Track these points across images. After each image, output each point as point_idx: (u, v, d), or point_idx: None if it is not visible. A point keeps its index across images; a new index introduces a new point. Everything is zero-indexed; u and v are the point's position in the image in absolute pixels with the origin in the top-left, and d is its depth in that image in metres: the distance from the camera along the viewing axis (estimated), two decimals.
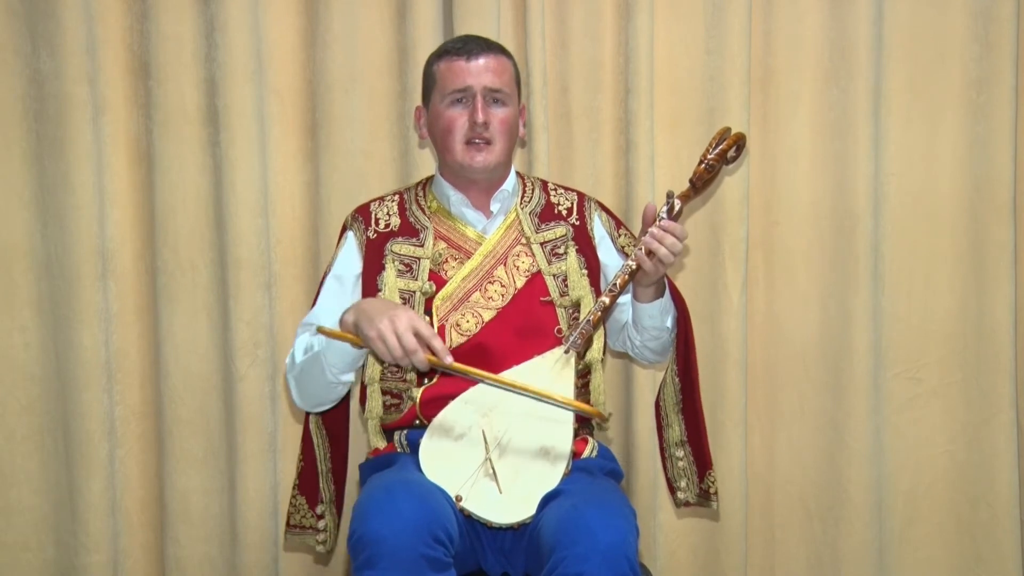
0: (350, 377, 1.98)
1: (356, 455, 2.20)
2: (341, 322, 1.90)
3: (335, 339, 1.89)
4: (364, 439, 2.08)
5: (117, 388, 2.48)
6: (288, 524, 2.14)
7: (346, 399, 2.09)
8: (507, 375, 1.89)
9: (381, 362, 1.99)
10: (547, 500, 1.80)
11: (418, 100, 2.21)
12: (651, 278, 1.96)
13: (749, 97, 2.52)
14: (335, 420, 2.12)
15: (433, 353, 1.81)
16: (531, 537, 1.79)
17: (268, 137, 2.47)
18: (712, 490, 2.12)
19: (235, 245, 2.46)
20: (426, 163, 2.47)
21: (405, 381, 2.00)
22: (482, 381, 1.87)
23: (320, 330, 1.90)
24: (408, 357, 1.80)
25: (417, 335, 1.80)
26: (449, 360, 1.81)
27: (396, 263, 2.04)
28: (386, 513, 1.67)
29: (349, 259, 2.08)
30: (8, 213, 2.46)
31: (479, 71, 2.01)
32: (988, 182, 2.56)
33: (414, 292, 2.00)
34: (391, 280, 2.02)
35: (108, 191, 2.44)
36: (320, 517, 2.10)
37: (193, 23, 2.45)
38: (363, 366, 2.02)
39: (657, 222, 1.92)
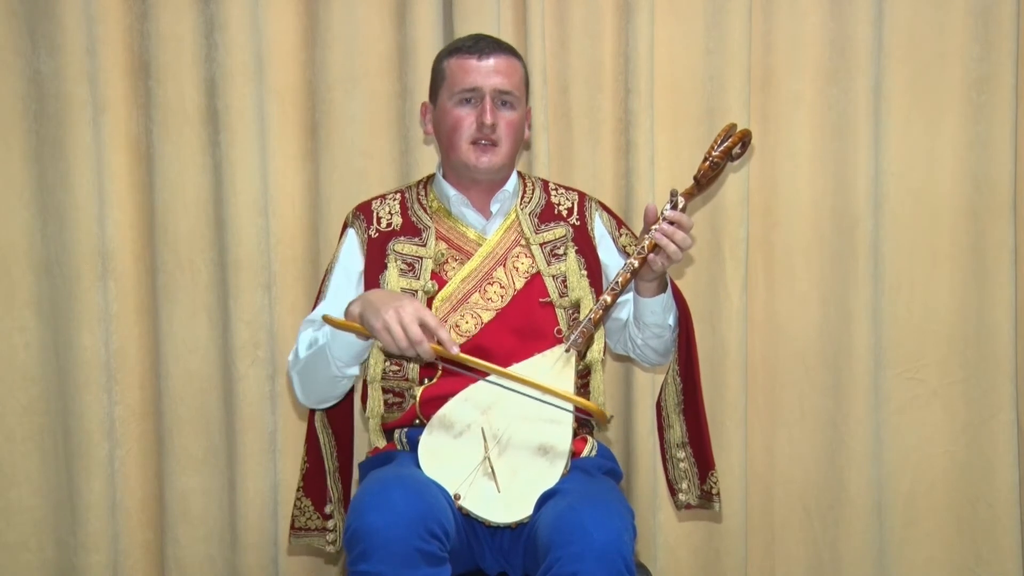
0: (355, 371, 1.97)
1: (358, 455, 2.20)
2: (347, 313, 1.89)
3: (340, 329, 1.88)
4: (365, 438, 2.08)
5: (117, 388, 2.48)
6: (292, 527, 2.13)
7: (349, 396, 2.09)
8: (510, 370, 1.87)
9: (385, 359, 1.99)
10: (544, 499, 1.79)
11: (419, 99, 2.20)
12: (656, 272, 1.96)
13: (749, 97, 2.52)
14: (340, 418, 2.12)
15: (439, 343, 1.80)
16: (528, 536, 1.79)
17: (268, 137, 2.47)
18: (714, 491, 2.11)
19: (235, 245, 2.46)
20: (426, 163, 2.47)
21: (407, 380, 1.99)
22: (487, 373, 1.84)
23: (325, 319, 1.88)
24: (413, 347, 1.78)
25: (423, 325, 1.79)
26: (455, 351, 1.79)
27: (398, 262, 2.03)
28: (380, 506, 1.66)
29: (352, 256, 2.08)
30: (8, 213, 2.46)
31: (489, 72, 2.00)
32: (988, 182, 2.56)
33: (416, 292, 1.99)
34: (393, 279, 2.01)
35: (108, 191, 2.44)
36: (329, 517, 2.10)
37: (193, 23, 2.46)
38: (365, 364, 2.01)
39: (661, 218, 1.92)
